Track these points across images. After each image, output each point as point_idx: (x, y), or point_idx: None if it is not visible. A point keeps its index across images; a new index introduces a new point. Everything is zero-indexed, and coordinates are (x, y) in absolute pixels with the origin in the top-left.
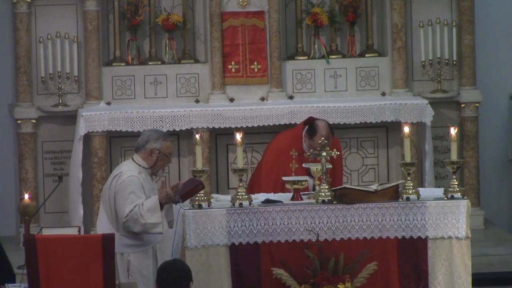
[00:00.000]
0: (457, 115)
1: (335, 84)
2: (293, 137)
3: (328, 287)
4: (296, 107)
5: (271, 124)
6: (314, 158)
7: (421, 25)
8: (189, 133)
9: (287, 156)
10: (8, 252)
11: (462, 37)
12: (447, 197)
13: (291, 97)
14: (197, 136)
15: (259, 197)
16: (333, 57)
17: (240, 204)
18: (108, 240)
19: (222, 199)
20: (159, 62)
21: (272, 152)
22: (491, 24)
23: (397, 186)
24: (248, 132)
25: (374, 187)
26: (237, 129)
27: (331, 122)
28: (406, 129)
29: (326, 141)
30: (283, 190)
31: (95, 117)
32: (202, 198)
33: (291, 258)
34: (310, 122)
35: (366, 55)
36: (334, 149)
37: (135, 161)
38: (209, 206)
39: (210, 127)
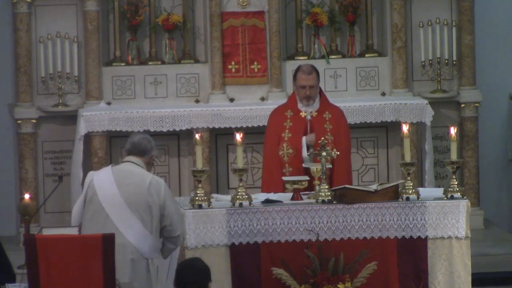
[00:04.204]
0: (457, 115)
1: (335, 84)
2: (288, 99)
3: (328, 287)
4: None
5: None
6: (314, 157)
7: (421, 25)
8: (189, 133)
9: (282, 115)
10: (8, 252)
11: (462, 37)
12: (447, 197)
13: None
14: (197, 136)
15: (259, 197)
16: (333, 57)
17: (240, 204)
18: (108, 240)
19: (222, 199)
20: (159, 62)
21: (270, 117)
22: (491, 24)
23: (397, 186)
24: (248, 132)
25: (374, 187)
26: (237, 129)
27: None
28: (405, 129)
29: (309, 76)
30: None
31: (95, 117)
32: (202, 198)
33: (291, 258)
34: None
35: (366, 55)
36: (334, 149)
37: (139, 165)
38: (209, 206)
39: (210, 127)
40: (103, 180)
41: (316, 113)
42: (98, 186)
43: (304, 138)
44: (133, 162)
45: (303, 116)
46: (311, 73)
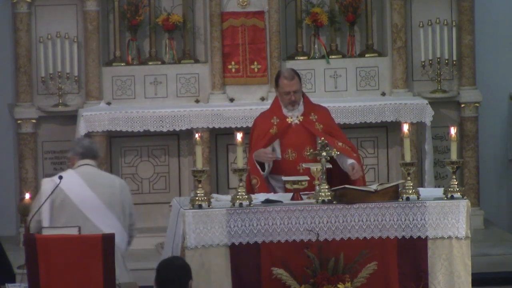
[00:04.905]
0: (457, 115)
1: (335, 84)
2: (272, 106)
3: (328, 287)
4: None
5: None
6: (314, 157)
7: (421, 25)
8: (189, 133)
9: (268, 122)
10: (8, 252)
11: (462, 37)
12: (447, 197)
13: None
14: (197, 136)
15: (259, 197)
16: (333, 57)
17: (240, 204)
18: (108, 240)
19: (222, 199)
20: (159, 62)
21: (255, 123)
22: (491, 24)
23: (397, 186)
24: (248, 132)
25: (374, 187)
26: (237, 129)
27: None
28: (406, 129)
29: (291, 81)
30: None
31: (95, 117)
32: (202, 198)
33: (291, 258)
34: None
35: (366, 55)
36: (334, 149)
37: (96, 168)
38: (209, 206)
39: (210, 127)
40: (72, 184)
41: (302, 117)
42: (68, 190)
43: (253, 156)
44: (91, 165)
45: (289, 121)
46: (293, 78)
